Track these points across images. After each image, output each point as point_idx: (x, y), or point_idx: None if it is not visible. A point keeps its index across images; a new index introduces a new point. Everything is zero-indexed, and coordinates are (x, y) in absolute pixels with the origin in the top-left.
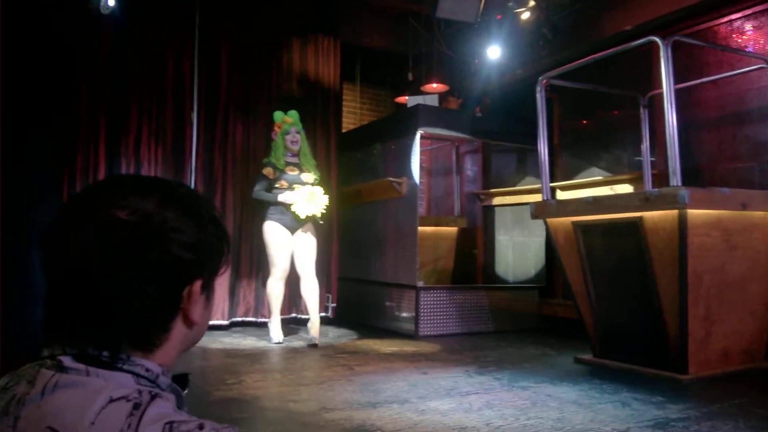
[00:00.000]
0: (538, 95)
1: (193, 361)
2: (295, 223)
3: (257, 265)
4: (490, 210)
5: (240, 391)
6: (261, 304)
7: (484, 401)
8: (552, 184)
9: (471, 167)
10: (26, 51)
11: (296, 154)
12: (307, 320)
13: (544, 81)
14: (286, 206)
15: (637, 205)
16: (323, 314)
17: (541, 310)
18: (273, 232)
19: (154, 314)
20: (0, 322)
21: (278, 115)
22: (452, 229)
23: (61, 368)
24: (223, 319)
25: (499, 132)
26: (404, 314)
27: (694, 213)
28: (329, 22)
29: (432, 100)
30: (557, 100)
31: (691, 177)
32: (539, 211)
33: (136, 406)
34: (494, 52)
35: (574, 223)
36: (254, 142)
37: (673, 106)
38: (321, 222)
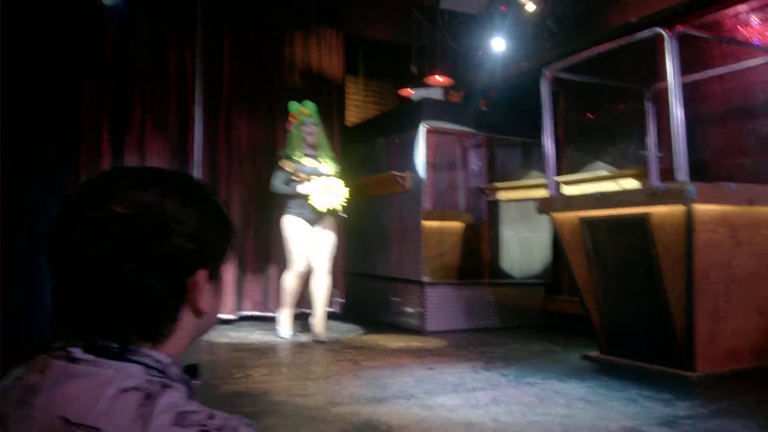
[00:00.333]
0: (543, 88)
1: (201, 355)
2: (315, 216)
3: (264, 259)
4: (495, 205)
5: (247, 385)
6: (268, 299)
7: (491, 397)
8: (556, 178)
9: (476, 161)
10: (27, 49)
11: (313, 146)
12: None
13: (549, 73)
14: (305, 198)
15: (644, 201)
16: (330, 309)
17: (547, 306)
18: (293, 226)
19: (159, 305)
20: (0, 321)
21: (293, 105)
22: (457, 224)
23: (72, 359)
24: (230, 314)
25: (504, 125)
26: (410, 309)
27: (701, 208)
28: (332, 14)
29: (436, 93)
30: (562, 93)
31: (696, 172)
32: (545, 207)
33: (147, 396)
34: (499, 44)
35: (580, 218)
36: (258, 135)
37: (679, 99)
38: (344, 216)
